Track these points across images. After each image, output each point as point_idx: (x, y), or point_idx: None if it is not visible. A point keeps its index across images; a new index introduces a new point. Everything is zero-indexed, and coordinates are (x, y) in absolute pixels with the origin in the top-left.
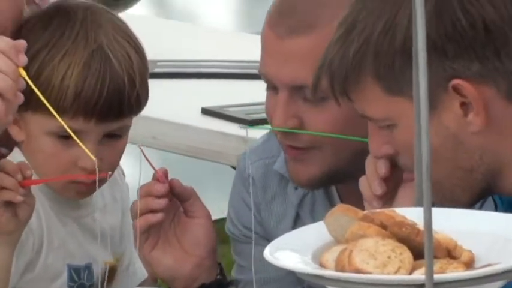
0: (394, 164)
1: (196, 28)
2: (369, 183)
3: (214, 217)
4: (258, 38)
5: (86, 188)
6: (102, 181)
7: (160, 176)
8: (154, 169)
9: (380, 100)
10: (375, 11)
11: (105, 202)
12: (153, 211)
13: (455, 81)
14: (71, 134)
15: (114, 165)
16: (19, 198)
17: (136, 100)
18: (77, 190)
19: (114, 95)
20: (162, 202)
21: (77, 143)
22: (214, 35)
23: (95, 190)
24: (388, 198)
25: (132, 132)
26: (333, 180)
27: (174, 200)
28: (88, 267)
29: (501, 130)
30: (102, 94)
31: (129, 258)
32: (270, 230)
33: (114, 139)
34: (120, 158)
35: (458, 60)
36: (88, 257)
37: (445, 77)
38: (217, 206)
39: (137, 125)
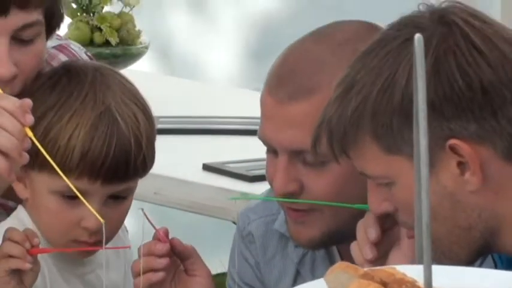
0: (384, 229)
1: (198, 84)
2: (360, 248)
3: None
4: (258, 94)
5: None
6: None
7: (162, 236)
8: (155, 229)
9: (378, 158)
10: (373, 70)
11: (108, 258)
12: (154, 270)
13: (452, 141)
14: (78, 194)
15: (117, 226)
16: (27, 266)
17: (142, 162)
18: (83, 251)
19: (120, 157)
20: (163, 262)
21: (81, 203)
22: (216, 91)
23: (96, 251)
24: (380, 263)
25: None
26: (333, 240)
27: (174, 258)
28: None
29: (498, 190)
30: (109, 156)
31: None
32: (271, 287)
33: (119, 201)
34: (124, 219)
35: (456, 120)
36: None
37: (442, 136)
38: (219, 260)
39: (139, 181)
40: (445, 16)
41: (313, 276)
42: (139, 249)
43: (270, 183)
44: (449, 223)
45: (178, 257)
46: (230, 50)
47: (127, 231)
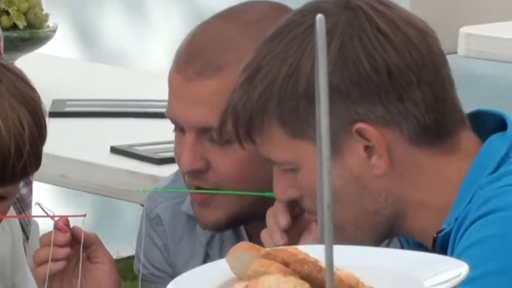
0: (294, 215)
1: (105, 67)
2: (270, 235)
3: (126, 254)
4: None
5: None
6: None
7: (61, 226)
8: (52, 219)
9: (284, 143)
10: (279, 56)
11: None
12: (55, 260)
13: (359, 125)
14: None
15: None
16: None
17: (21, 170)
18: None
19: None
20: (64, 251)
21: None
22: (122, 74)
23: None
24: None
25: (41, 170)
26: (239, 222)
27: (76, 246)
28: None
29: (404, 173)
30: None
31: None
32: (180, 269)
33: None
34: (5, 213)
35: (362, 104)
36: None
37: (348, 120)
38: (129, 243)
39: (46, 163)
40: (350, 1)
41: (222, 257)
42: (40, 239)
43: (178, 162)
44: (355, 207)
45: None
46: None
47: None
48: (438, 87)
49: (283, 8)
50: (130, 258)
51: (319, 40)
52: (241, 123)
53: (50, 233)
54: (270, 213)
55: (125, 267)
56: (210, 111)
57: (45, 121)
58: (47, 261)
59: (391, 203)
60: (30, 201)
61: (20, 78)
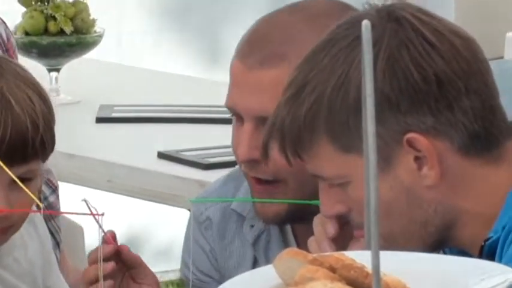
0: (342, 224)
1: (152, 73)
2: (318, 244)
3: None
4: (214, 83)
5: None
6: (14, 227)
7: (108, 238)
8: (103, 232)
9: (333, 158)
10: (325, 69)
11: (21, 238)
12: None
13: (410, 135)
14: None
15: (27, 209)
16: None
17: (40, 144)
18: None
19: (17, 140)
20: (109, 266)
21: None
22: (170, 80)
23: (9, 236)
24: None
25: (88, 175)
26: (298, 216)
27: (121, 264)
28: None
29: (455, 183)
30: (5, 139)
31: None
32: (229, 272)
33: (25, 183)
34: (32, 201)
35: (412, 114)
36: None
37: (399, 131)
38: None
39: (93, 169)
40: (393, 12)
41: (267, 257)
42: (88, 258)
43: (235, 152)
44: (405, 219)
45: (125, 264)
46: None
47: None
48: (486, 95)
49: (346, 7)
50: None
51: (366, 47)
52: (288, 140)
53: (96, 249)
54: (317, 221)
55: None
56: (269, 100)
57: (50, 101)
58: (97, 280)
59: (440, 213)
60: (58, 208)
61: (20, 67)
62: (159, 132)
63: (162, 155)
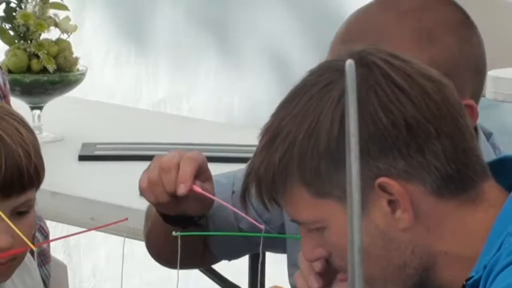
0: (328, 261)
1: (133, 111)
2: (305, 278)
3: None
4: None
5: (4, 269)
6: (19, 259)
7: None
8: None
9: (308, 204)
10: (297, 117)
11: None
12: None
13: (381, 180)
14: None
15: (26, 242)
16: None
17: (35, 171)
18: None
19: (12, 169)
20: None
21: None
22: (152, 118)
23: (13, 270)
24: None
25: (70, 213)
26: None
27: None
28: None
29: (430, 225)
30: (1, 170)
31: None
32: None
33: (22, 216)
34: (31, 234)
35: (383, 159)
36: None
37: (371, 176)
38: None
39: (76, 207)
40: (364, 58)
41: None
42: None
43: None
44: (383, 262)
45: None
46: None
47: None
48: (458, 138)
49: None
50: None
51: (350, 85)
52: (264, 186)
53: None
54: (303, 257)
55: None
56: None
57: (32, 129)
58: None
59: (418, 255)
60: (49, 255)
61: (3, 104)
62: (141, 170)
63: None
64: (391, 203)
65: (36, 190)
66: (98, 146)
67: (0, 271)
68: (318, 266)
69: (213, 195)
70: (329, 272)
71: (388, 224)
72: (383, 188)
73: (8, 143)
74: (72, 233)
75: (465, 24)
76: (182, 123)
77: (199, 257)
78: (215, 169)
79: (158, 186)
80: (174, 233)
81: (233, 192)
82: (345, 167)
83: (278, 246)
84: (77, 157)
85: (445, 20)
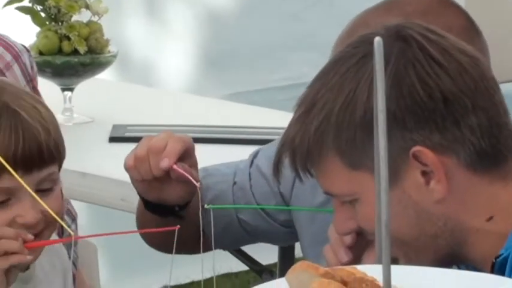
0: (358, 232)
1: (165, 93)
2: (334, 252)
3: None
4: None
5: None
6: (46, 231)
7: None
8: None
9: (342, 175)
10: (334, 88)
11: (45, 272)
12: None
13: (416, 149)
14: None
15: (54, 217)
16: (29, 258)
17: (54, 146)
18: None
19: (31, 144)
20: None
21: (8, 203)
22: (179, 99)
23: (39, 253)
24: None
25: (102, 194)
26: None
27: None
28: None
29: (464, 199)
30: (19, 145)
31: None
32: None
33: (47, 192)
34: (60, 208)
35: (418, 131)
36: None
37: (405, 147)
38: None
39: (107, 188)
40: (401, 31)
41: None
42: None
43: None
44: (415, 232)
45: None
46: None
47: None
48: (493, 113)
49: (447, 3)
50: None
51: (378, 63)
52: (298, 157)
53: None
54: (333, 229)
55: None
56: None
57: (52, 112)
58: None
59: (450, 228)
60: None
61: (19, 85)
62: None
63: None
64: (425, 174)
65: (59, 168)
66: (128, 127)
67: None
68: (349, 239)
69: (196, 180)
70: (359, 246)
71: (422, 195)
72: (417, 157)
73: (26, 120)
74: (117, 231)
75: (469, 29)
76: (213, 105)
77: (194, 245)
78: (242, 151)
79: (144, 163)
80: (206, 206)
81: (235, 183)
82: None
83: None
84: (107, 139)
85: (449, 24)
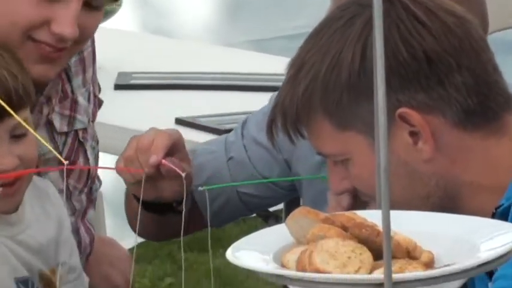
0: (354, 196)
1: (170, 41)
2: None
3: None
4: (230, 50)
5: (11, 191)
6: (26, 180)
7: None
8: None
9: (331, 136)
10: (321, 49)
11: (36, 216)
12: None
13: (401, 110)
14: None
15: (33, 162)
16: None
17: (23, 91)
18: (1, 195)
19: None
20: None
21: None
22: (188, 47)
23: (22, 193)
24: None
25: (107, 142)
26: None
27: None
28: (32, 279)
29: (453, 157)
30: None
31: (73, 270)
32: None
33: (21, 138)
34: (35, 154)
35: (403, 91)
36: (30, 270)
37: (391, 108)
38: None
39: (112, 135)
40: None
41: None
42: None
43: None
44: (408, 192)
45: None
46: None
47: (100, 182)
48: (479, 71)
49: None
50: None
51: (376, 11)
52: (289, 118)
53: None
54: (331, 196)
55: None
56: None
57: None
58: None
59: (442, 186)
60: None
61: None
62: (177, 99)
63: (179, 121)
64: (412, 134)
65: (32, 112)
66: (134, 75)
67: (9, 193)
68: (345, 201)
69: (189, 173)
70: (356, 208)
71: (411, 156)
72: (404, 118)
73: None
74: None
75: None
76: (219, 52)
77: (190, 230)
78: (251, 97)
79: (134, 163)
80: (200, 188)
81: (230, 158)
82: (366, 100)
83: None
84: (113, 86)
85: None
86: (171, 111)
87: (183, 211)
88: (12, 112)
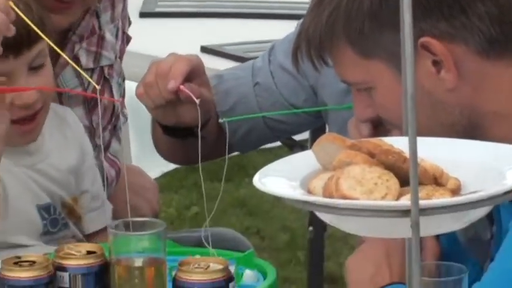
0: (375, 125)
1: None
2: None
3: None
4: None
5: (29, 125)
6: (44, 111)
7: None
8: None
9: (355, 63)
10: None
11: (56, 145)
12: None
13: (423, 39)
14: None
15: (50, 93)
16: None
17: (40, 22)
18: (21, 131)
19: (16, 25)
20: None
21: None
22: None
23: (41, 125)
24: None
25: (133, 70)
26: None
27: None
28: (54, 205)
29: (476, 86)
30: None
31: (97, 198)
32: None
33: (39, 69)
34: (53, 84)
35: (426, 20)
36: (52, 197)
37: (414, 36)
38: None
39: (138, 63)
40: None
41: None
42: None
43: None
44: (432, 121)
45: None
46: None
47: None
48: (503, 1)
49: None
50: None
51: None
52: (313, 45)
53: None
54: (352, 124)
55: None
56: None
57: None
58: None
59: (466, 115)
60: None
61: None
62: (202, 27)
63: (205, 49)
64: (435, 63)
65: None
66: (159, 2)
67: (28, 129)
68: (365, 130)
69: (209, 98)
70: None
71: (434, 85)
72: (426, 47)
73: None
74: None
75: None
76: None
77: (214, 155)
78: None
79: (154, 88)
80: (220, 120)
81: (256, 83)
82: (388, 29)
83: (307, 129)
84: (138, 14)
85: None
86: (197, 39)
87: (199, 136)
88: (43, 36)
